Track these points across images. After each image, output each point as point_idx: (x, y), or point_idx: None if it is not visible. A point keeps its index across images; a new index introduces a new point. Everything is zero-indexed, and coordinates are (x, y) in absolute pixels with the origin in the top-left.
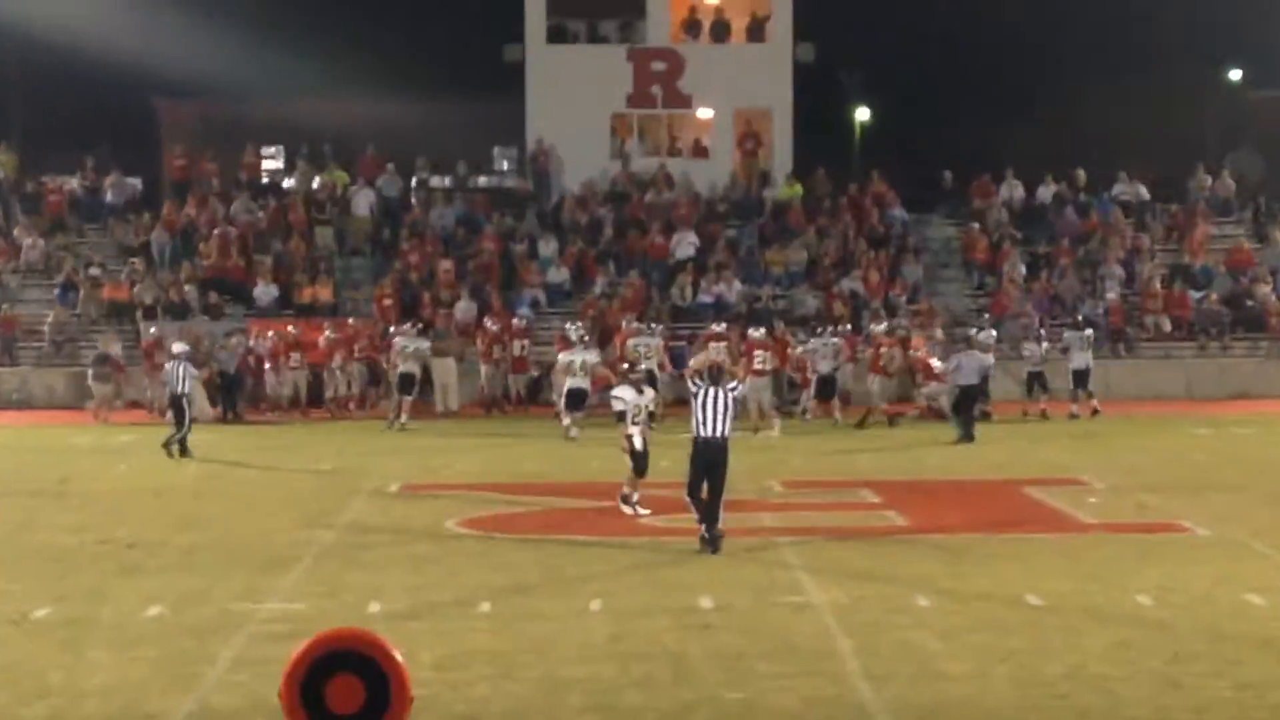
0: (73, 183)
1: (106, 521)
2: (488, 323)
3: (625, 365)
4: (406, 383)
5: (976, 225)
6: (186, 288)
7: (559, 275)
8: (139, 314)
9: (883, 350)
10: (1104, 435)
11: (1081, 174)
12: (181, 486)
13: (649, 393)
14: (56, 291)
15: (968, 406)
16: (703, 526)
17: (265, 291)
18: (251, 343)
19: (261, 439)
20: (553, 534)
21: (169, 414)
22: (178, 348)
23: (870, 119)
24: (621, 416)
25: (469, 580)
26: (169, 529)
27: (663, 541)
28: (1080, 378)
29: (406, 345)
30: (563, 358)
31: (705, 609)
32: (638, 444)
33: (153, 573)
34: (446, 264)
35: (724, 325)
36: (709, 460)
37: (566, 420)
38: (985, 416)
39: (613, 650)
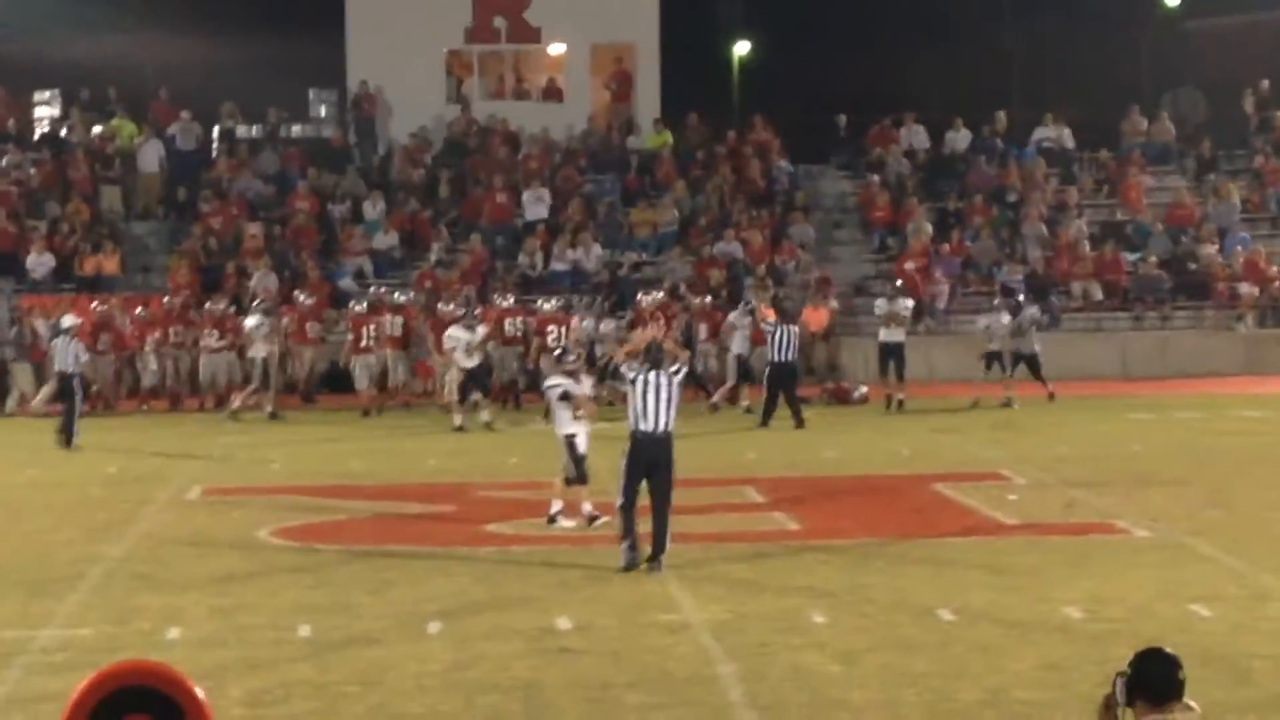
0: None
1: None
2: (300, 297)
3: (555, 350)
4: (472, 378)
5: (876, 178)
6: None
7: (387, 241)
8: None
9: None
10: (1026, 423)
11: (1002, 117)
12: None
13: (587, 383)
14: None
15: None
16: (625, 543)
17: (39, 262)
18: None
19: (35, 436)
20: (383, 544)
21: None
22: (67, 321)
23: (751, 54)
24: (556, 406)
25: (285, 600)
26: None
27: (511, 551)
28: (1030, 362)
29: (463, 338)
30: (452, 335)
31: (563, 630)
32: (581, 446)
33: None
34: (254, 228)
35: (658, 294)
36: (651, 459)
37: (459, 414)
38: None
39: (455, 680)
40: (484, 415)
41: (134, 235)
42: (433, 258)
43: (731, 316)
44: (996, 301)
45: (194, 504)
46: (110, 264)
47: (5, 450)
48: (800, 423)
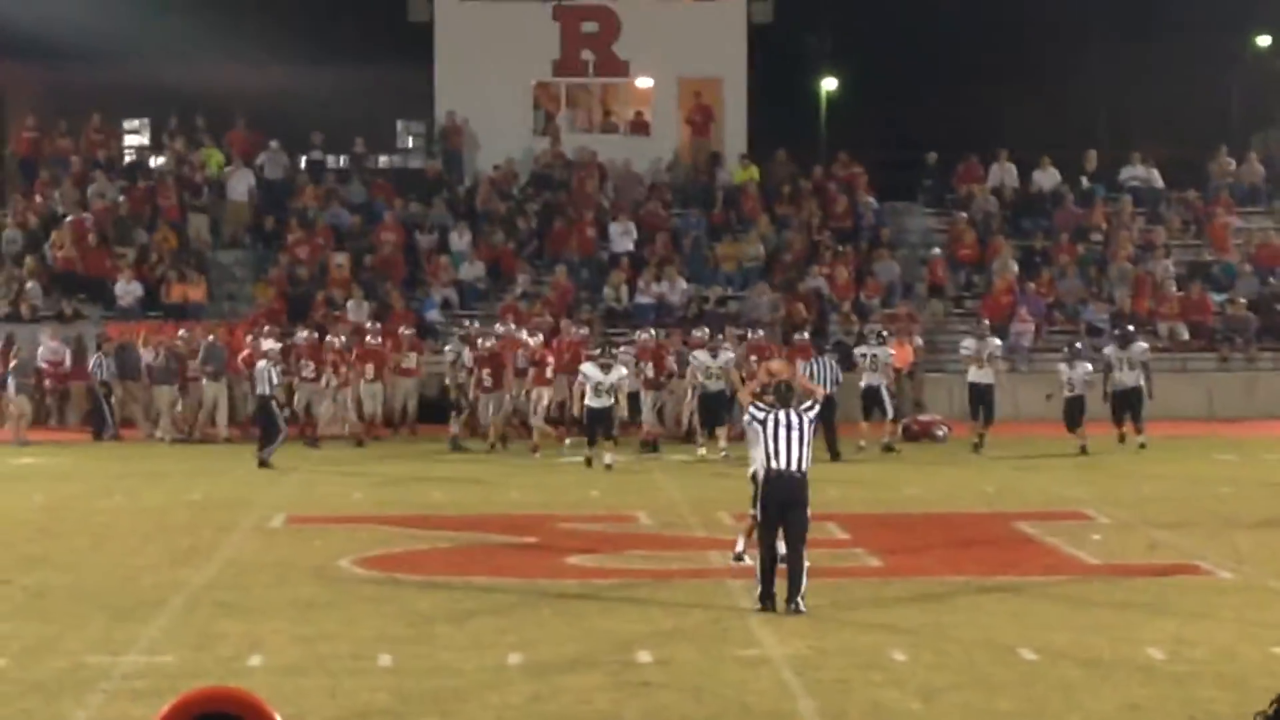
0: None
1: None
2: (401, 330)
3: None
4: (598, 420)
5: (963, 215)
6: (29, 285)
7: (473, 271)
8: None
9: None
10: (1110, 463)
11: (1093, 156)
12: (28, 519)
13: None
14: None
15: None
16: (762, 586)
17: (127, 289)
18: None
19: (124, 463)
20: (465, 575)
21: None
22: (268, 345)
23: (838, 90)
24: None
25: (366, 629)
26: (13, 568)
27: (593, 584)
28: (1125, 400)
29: (595, 376)
30: (585, 372)
31: (644, 664)
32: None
33: None
34: (340, 258)
35: (760, 332)
36: (785, 499)
37: (583, 450)
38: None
39: (534, 712)
40: (607, 458)
41: (220, 264)
42: (518, 289)
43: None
44: (1078, 345)
45: (277, 532)
46: (196, 292)
47: (93, 476)
48: (835, 455)
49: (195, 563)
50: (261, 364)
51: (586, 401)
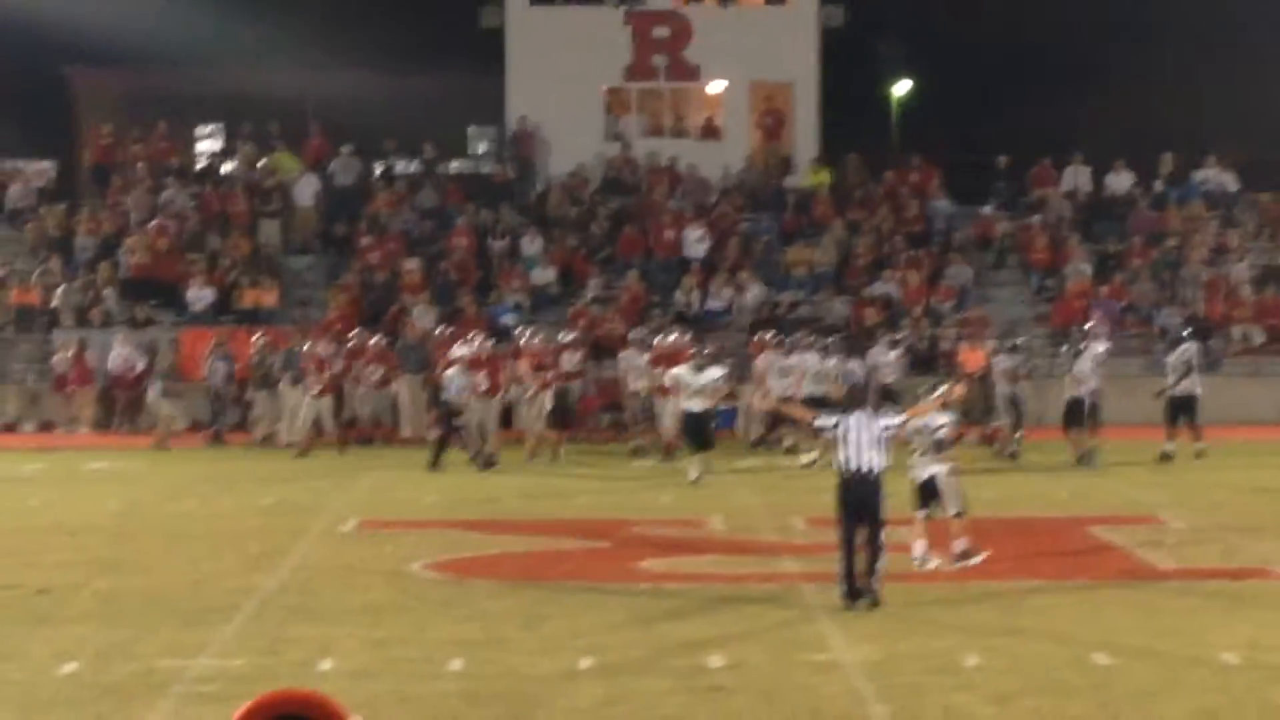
0: None
1: (12, 564)
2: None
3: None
4: (694, 426)
5: (1036, 219)
6: (106, 291)
7: (545, 277)
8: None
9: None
10: (1184, 466)
11: (1168, 159)
12: (100, 524)
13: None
14: None
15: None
16: (843, 584)
17: (199, 295)
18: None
19: (196, 468)
20: (535, 579)
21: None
22: (459, 352)
23: (911, 94)
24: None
25: (437, 633)
26: (86, 572)
27: (664, 588)
28: (1182, 406)
29: (687, 379)
30: (678, 376)
31: (715, 668)
32: (942, 482)
33: (67, 623)
34: (412, 264)
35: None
36: (859, 499)
37: (693, 469)
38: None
39: (605, 716)
40: (692, 473)
41: (292, 269)
42: (589, 295)
43: (999, 359)
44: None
45: (348, 536)
46: (269, 298)
47: (165, 481)
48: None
49: (267, 567)
50: (451, 370)
51: (682, 405)
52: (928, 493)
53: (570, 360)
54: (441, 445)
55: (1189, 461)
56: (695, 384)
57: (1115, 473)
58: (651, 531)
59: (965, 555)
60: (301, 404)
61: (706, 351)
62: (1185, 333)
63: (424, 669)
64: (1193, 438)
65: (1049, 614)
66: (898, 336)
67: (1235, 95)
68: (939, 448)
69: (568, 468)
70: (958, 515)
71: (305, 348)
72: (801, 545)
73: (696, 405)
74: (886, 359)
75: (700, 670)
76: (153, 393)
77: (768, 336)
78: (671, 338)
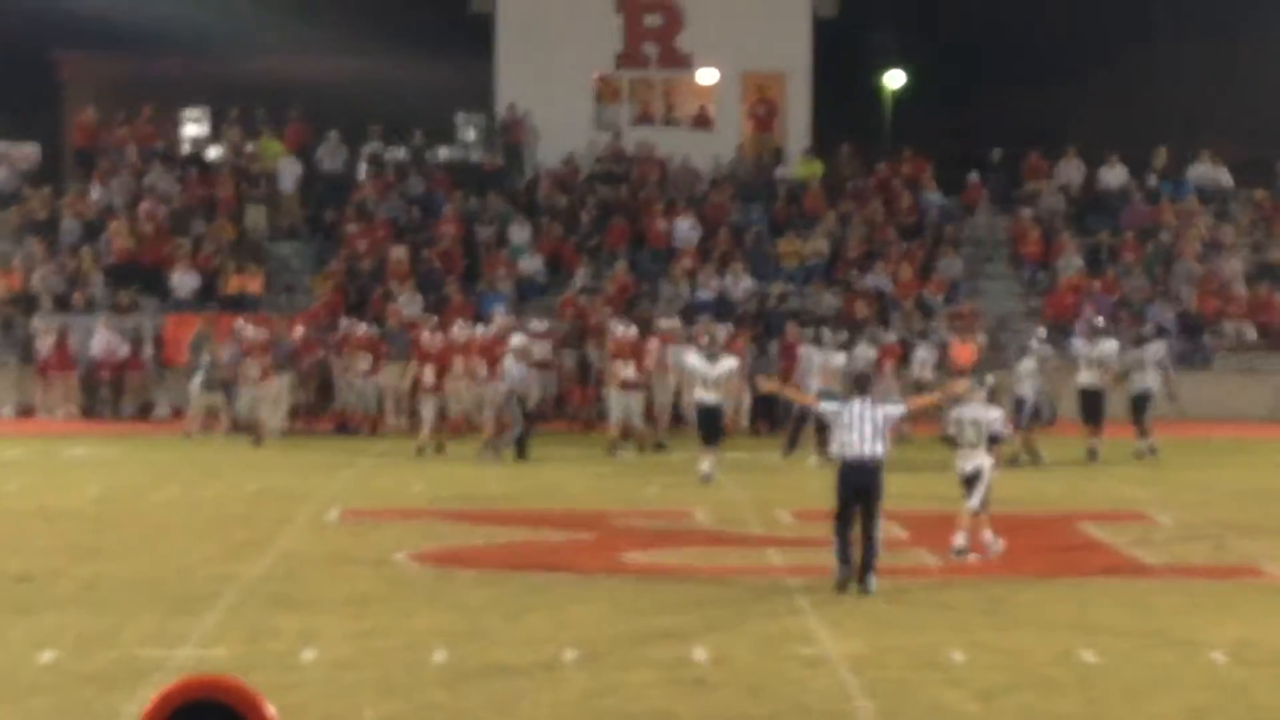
0: None
1: None
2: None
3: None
4: (708, 418)
5: (1028, 212)
6: (90, 275)
7: (532, 265)
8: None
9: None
10: (1173, 464)
11: (1162, 154)
12: (81, 510)
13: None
14: None
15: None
16: (840, 567)
17: (184, 281)
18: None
19: (178, 455)
20: (520, 570)
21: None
22: (517, 340)
23: (904, 85)
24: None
25: (421, 624)
26: (66, 560)
27: (648, 581)
28: (1087, 401)
29: (704, 370)
30: (691, 365)
31: (699, 662)
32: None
33: (47, 611)
34: (399, 251)
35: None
36: (858, 485)
37: (706, 462)
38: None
39: (589, 708)
40: (704, 466)
41: (278, 255)
42: (577, 284)
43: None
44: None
45: (332, 525)
46: (254, 284)
47: (145, 468)
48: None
49: (250, 556)
50: (510, 358)
51: (695, 396)
52: (975, 484)
53: (541, 350)
54: (525, 436)
55: (1179, 459)
56: (710, 375)
57: (1105, 470)
58: (636, 523)
59: (963, 552)
60: (284, 391)
61: (719, 341)
62: (1149, 331)
63: (407, 659)
64: (1140, 434)
65: (1037, 610)
66: (882, 332)
67: (1229, 91)
68: (992, 441)
69: (553, 459)
70: (976, 512)
71: (250, 332)
72: (788, 539)
73: (711, 398)
74: (868, 356)
75: (684, 663)
76: (196, 382)
77: (798, 328)
78: (633, 330)
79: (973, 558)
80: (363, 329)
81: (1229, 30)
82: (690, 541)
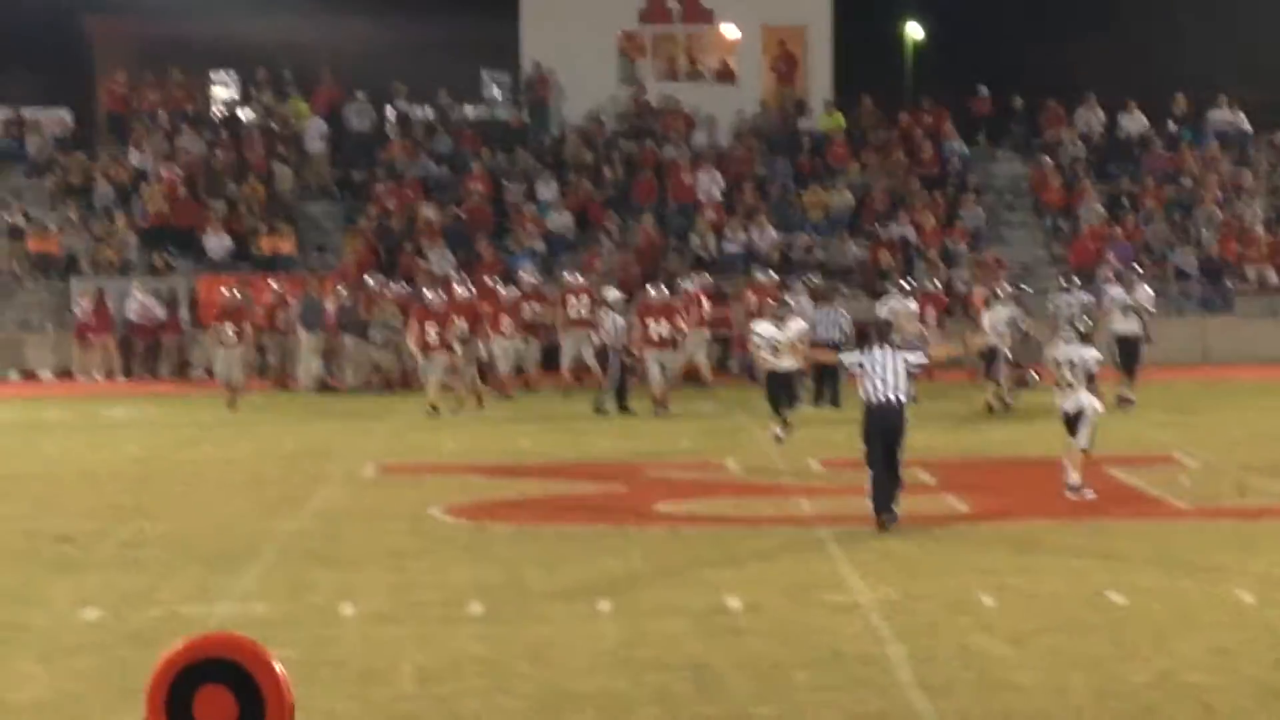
0: None
1: (33, 511)
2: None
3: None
4: (781, 385)
5: (1049, 160)
6: (125, 238)
7: (560, 222)
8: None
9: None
10: (1199, 406)
11: (1181, 100)
12: (121, 470)
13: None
14: None
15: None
16: (879, 507)
17: (218, 243)
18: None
19: (216, 414)
20: (554, 523)
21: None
22: (613, 295)
23: (924, 37)
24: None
25: (457, 577)
26: (107, 519)
27: (681, 531)
28: (1125, 348)
29: (774, 334)
30: (759, 331)
31: (733, 610)
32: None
33: (89, 570)
34: (428, 209)
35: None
36: (885, 427)
37: (776, 427)
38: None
39: (624, 658)
40: (777, 429)
41: (309, 215)
42: (604, 240)
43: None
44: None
45: (368, 481)
46: (286, 244)
47: (181, 427)
48: (835, 402)
49: (288, 512)
50: (605, 312)
51: (766, 363)
52: (1077, 423)
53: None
54: (623, 388)
55: (1204, 401)
56: (781, 340)
57: (1132, 413)
58: (668, 474)
59: (1077, 489)
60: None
61: (789, 303)
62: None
63: (444, 612)
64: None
65: (1064, 554)
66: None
67: (1248, 36)
68: (1090, 380)
69: (587, 415)
70: (1084, 449)
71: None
72: (818, 487)
73: (786, 363)
74: (905, 306)
75: (718, 611)
76: (307, 341)
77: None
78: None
79: (1088, 494)
80: (392, 287)
81: None
82: (722, 491)
